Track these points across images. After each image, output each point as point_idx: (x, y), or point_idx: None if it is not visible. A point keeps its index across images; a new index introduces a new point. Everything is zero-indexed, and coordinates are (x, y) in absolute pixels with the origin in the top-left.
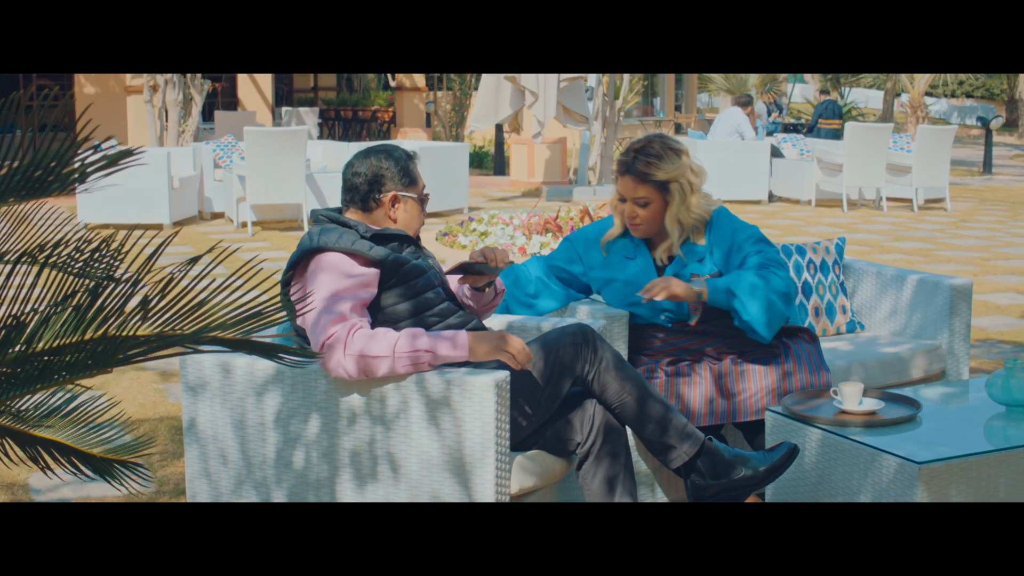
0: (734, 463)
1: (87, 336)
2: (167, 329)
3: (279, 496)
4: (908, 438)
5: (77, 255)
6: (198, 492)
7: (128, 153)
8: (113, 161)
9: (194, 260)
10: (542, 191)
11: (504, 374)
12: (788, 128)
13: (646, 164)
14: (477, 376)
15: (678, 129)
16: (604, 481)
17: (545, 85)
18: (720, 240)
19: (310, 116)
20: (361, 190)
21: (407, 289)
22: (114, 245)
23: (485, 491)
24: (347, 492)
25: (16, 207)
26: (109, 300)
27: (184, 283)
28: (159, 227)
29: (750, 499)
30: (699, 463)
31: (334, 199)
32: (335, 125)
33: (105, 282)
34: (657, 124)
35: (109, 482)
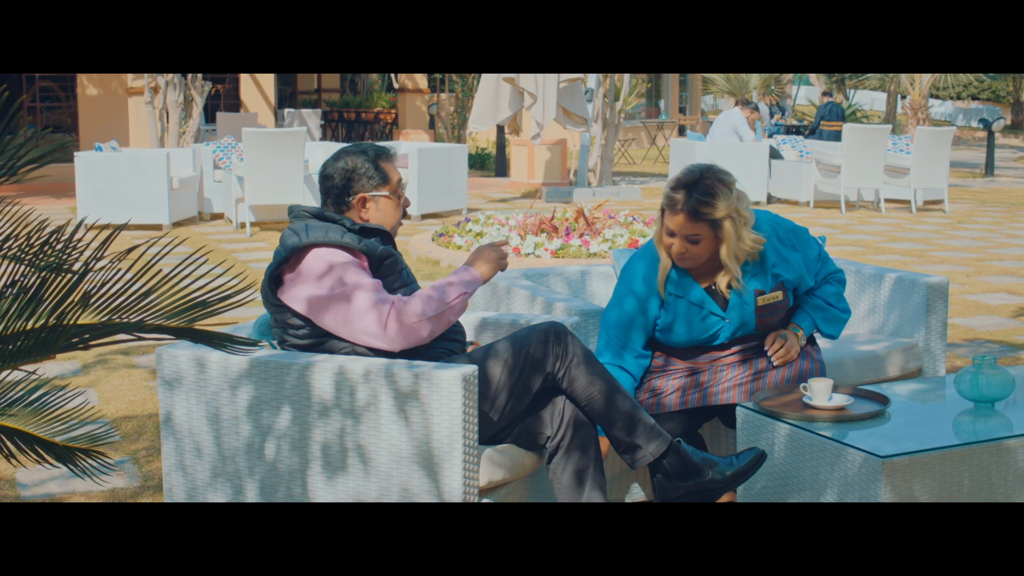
0: (702, 466)
1: (31, 324)
2: (114, 318)
3: (252, 488)
4: (874, 433)
5: (27, 247)
6: (174, 485)
7: (62, 147)
8: (46, 154)
9: (130, 250)
10: (541, 192)
11: (472, 368)
12: (791, 130)
13: (701, 203)
14: (445, 370)
15: (681, 131)
16: (573, 475)
17: (544, 87)
18: (778, 244)
19: (312, 118)
20: (332, 193)
21: (388, 283)
22: (64, 237)
23: (453, 484)
24: (318, 484)
25: None
26: (53, 290)
27: (130, 275)
28: (158, 227)
29: (724, 498)
30: (666, 463)
31: None
32: (338, 127)
33: (51, 273)
34: (659, 126)
35: (72, 469)
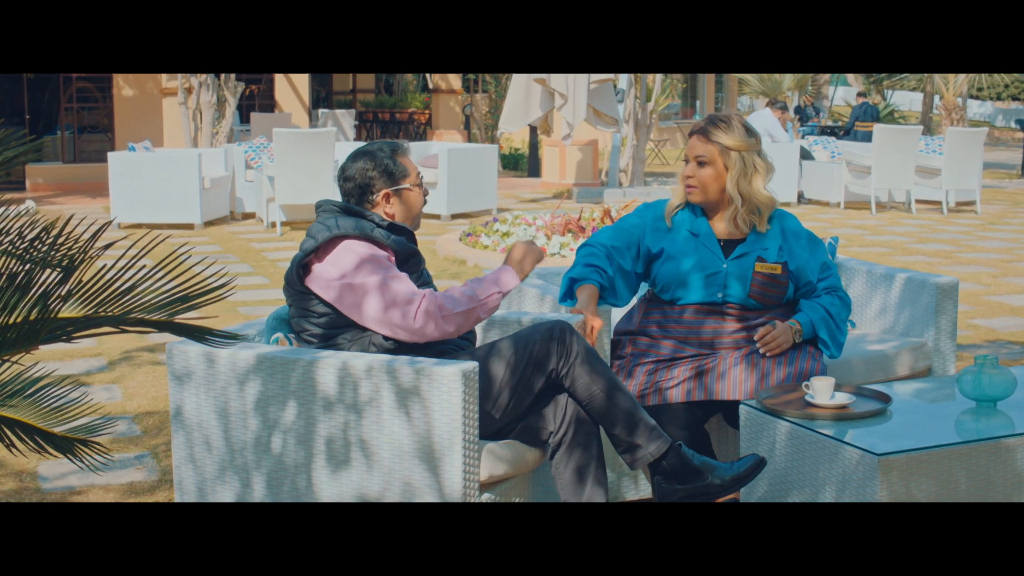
0: (702, 469)
1: (14, 318)
2: (99, 311)
3: (259, 481)
4: (872, 431)
5: (19, 241)
6: (184, 478)
7: (36, 147)
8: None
9: (108, 245)
10: (572, 193)
11: (472, 365)
12: (825, 131)
13: (715, 126)
14: (445, 367)
15: None
16: (575, 471)
17: (574, 87)
18: (792, 237)
19: (346, 118)
20: (355, 193)
21: (416, 277)
22: (54, 232)
23: (454, 478)
24: (323, 478)
25: None
26: (39, 284)
27: (115, 270)
28: (190, 227)
29: (727, 497)
30: (666, 464)
31: None
32: (373, 127)
33: (38, 267)
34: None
35: (70, 459)
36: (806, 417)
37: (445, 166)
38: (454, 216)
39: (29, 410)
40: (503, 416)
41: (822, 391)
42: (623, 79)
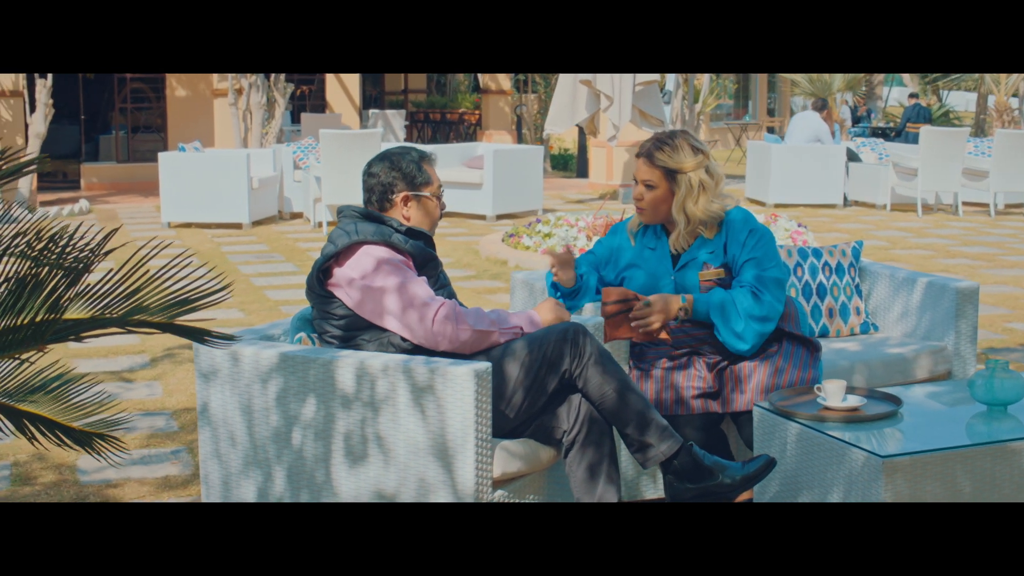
0: (713, 469)
1: (21, 319)
2: (105, 312)
3: (280, 475)
4: (879, 434)
5: (36, 243)
6: (210, 472)
7: (31, 163)
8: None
9: (106, 251)
10: (618, 193)
11: (485, 365)
12: (876, 132)
13: (659, 150)
14: (459, 366)
15: (771, 132)
16: (587, 469)
17: (620, 89)
18: (732, 238)
19: (397, 119)
20: (376, 191)
21: (433, 282)
22: (66, 238)
23: (467, 475)
24: (341, 473)
25: None
26: (49, 285)
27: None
28: (238, 226)
29: (742, 496)
30: (677, 464)
31: None
32: (424, 127)
33: (50, 269)
34: (743, 128)
35: (89, 452)
36: (816, 419)
37: (491, 167)
38: (499, 217)
39: (50, 405)
40: (517, 415)
41: (834, 393)
42: (670, 80)
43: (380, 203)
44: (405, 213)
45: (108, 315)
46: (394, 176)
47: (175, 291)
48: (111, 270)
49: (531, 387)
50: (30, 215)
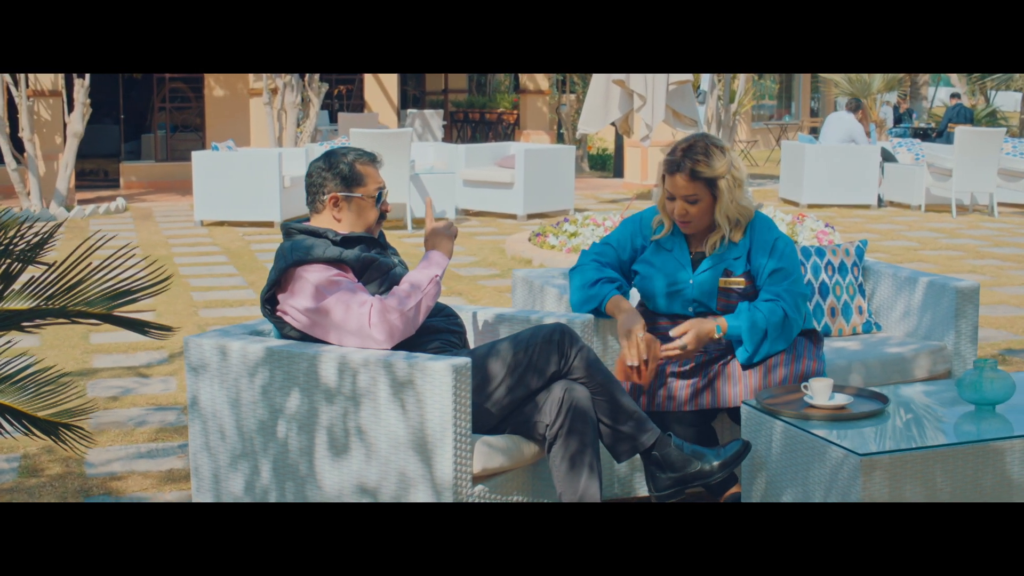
0: (691, 458)
1: None
2: (50, 303)
3: (266, 467)
4: (861, 432)
5: None
6: (200, 464)
7: None
8: None
9: (43, 242)
10: (653, 193)
11: (463, 360)
12: (918, 133)
13: (696, 162)
14: (438, 361)
15: (813, 132)
16: (569, 460)
17: (653, 88)
18: (758, 245)
19: (435, 118)
20: (310, 191)
21: (379, 285)
22: (11, 233)
23: (445, 469)
24: (325, 466)
25: None
26: None
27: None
28: (270, 224)
29: (733, 489)
30: (656, 455)
31: (439, 200)
32: (464, 127)
33: None
34: (782, 129)
35: (55, 441)
36: (801, 417)
37: (521, 166)
38: (530, 216)
39: (16, 395)
40: (500, 411)
41: (820, 392)
42: (705, 81)
43: (312, 204)
44: (336, 215)
45: (51, 306)
46: (325, 176)
47: (116, 283)
48: (54, 263)
49: (514, 387)
50: None
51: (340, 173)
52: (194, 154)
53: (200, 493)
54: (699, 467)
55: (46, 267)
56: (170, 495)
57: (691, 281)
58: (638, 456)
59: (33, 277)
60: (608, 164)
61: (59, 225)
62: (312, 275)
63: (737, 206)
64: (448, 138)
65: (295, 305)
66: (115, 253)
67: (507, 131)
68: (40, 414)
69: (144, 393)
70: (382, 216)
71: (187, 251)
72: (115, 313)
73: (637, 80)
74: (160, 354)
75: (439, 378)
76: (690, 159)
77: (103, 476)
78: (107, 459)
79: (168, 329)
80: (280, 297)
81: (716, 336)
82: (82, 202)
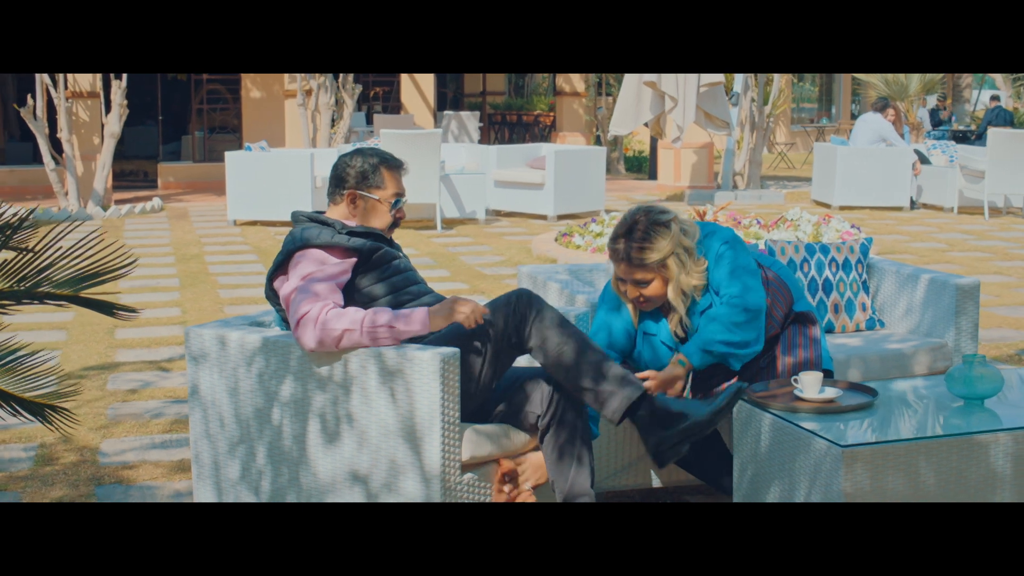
0: (682, 412)
1: None
2: (19, 285)
3: (262, 454)
4: (848, 424)
5: None
6: (200, 451)
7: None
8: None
9: (15, 230)
10: (685, 195)
11: (452, 350)
12: (957, 135)
13: (638, 250)
14: (426, 351)
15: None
16: (558, 450)
17: (684, 90)
18: (711, 262)
19: (471, 120)
20: (333, 182)
21: (381, 273)
22: None
23: (434, 457)
24: (319, 455)
25: None
26: None
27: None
28: None
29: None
30: (644, 413)
31: (470, 201)
32: (501, 129)
33: None
34: (820, 131)
35: (42, 422)
36: (789, 410)
37: (552, 168)
38: (560, 217)
39: (4, 378)
40: (481, 391)
41: (810, 385)
42: (738, 82)
43: (332, 195)
44: (352, 211)
45: (20, 288)
46: (349, 172)
47: (83, 267)
48: (24, 247)
49: (490, 358)
50: None
51: (363, 172)
52: (227, 154)
53: (200, 480)
54: (692, 420)
55: (17, 252)
56: (179, 484)
57: (673, 353)
58: (639, 456)
59: (5, 260)
60: (644, 166)
61: (32, 211)
62: (308, 255)
63: (692, 275)
64: (485, 140)
65: (286, 288)
66: (83, 239)
67: (544, 133)
68: (28, 396)
69: (163, 386)
70: (395, 223)
71: (218, 250)
72: (82, 295)
73: (668, 82)
74: (181, 349)
75: (427, 367)
76: (633, 247)
77: (116, 465)
78: (121, 449)
79: (134, 311)
80: (276, 281)
81: (684, 371)
82: (119, 202)
